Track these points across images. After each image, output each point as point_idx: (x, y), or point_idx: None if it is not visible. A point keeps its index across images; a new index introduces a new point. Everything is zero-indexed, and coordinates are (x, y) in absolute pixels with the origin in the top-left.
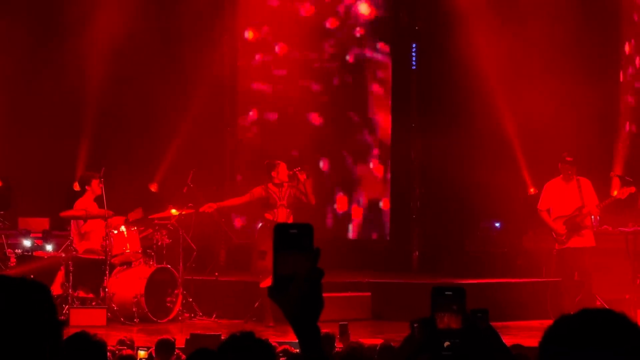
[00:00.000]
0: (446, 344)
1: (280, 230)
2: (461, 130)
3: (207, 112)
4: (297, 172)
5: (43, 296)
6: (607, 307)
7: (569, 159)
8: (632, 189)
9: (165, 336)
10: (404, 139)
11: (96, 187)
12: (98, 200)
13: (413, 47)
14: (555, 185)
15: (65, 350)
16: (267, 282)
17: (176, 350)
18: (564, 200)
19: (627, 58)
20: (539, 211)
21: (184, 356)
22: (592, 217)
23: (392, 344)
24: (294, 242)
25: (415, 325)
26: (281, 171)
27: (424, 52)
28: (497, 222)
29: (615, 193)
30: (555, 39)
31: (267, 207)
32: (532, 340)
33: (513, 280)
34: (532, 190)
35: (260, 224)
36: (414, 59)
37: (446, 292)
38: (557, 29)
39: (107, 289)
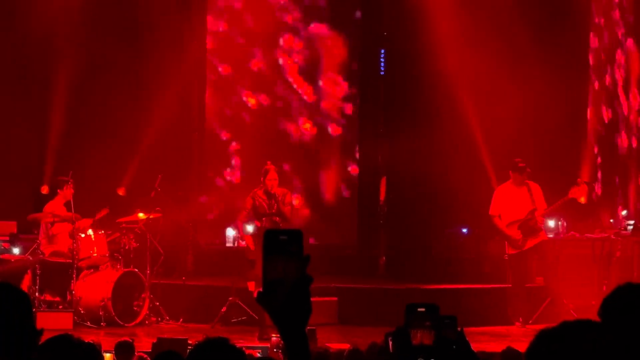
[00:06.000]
0: None
1: (270, 236)
2: (429, 136)
3: (175, 116)
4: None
5: (21, 303)
6: (574, 313)
7: (521, 165)
8: (584, 187)
9: (124, 338)
10: (372, 144)
11: (68, 191)
12: (67, 204)
13: (381, 53)
14: (506, 190)
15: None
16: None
17: (138, 352)
18: (515, 204)
19: (595, 63)
20: (491, 217)
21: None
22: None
23: (359, 348)
24: (283, 247)
25: (389, 338)
26: (268, 178)
27: (392, 58)
28: (464, 227)
29: (582, 200)
30: (523, 44)
31: (256, 216)
32: (496, 346)
33: (479, 286)
34: None
35: (246, 231)
36: (382, 64)
37: (419, 309)
38: (526, 34)
39: (74, 293)
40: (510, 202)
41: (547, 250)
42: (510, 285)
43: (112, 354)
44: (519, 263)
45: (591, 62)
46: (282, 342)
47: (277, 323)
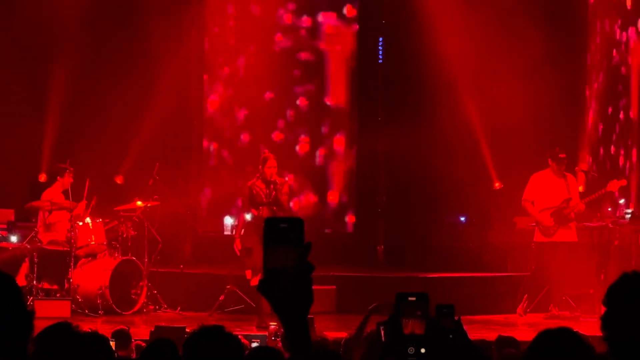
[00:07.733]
0: (410, 349)
1: (271, 224)
2: (427, 124)
3: (174, 104)
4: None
5: (9, 286)
6: (571, 302)
7: (562, 155)
8: (624, 182)
9: (120, 326)
10: (370, 132)
11: (67, 180)
12: (65, 192)
13: (380, 41)
14: (543, 178)
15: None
16: (256, 280)
17: (135, 341)
18: (551, 192)
19: (593, 54)
20: (524, 201)
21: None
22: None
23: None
24: (284, 236)
25: (381, 327)
26: (267, 166)
27: (390, 46)
28: (463, 216)
29: (580, 188)
30: (524, 32)
31: (253, 205)
32: (495, 334)
33: (478, 275)
34: (497, 184)
35: (246, 220)
36: (380, 52)
37: (409, 298)
38: (523, 22)
39: (71, 281)
40: (547, 189)
41: (566, 252)
42: (528, 274)
43: (114, 342)
44: (544, 252)
45: (591, 53)
46: (280, 330)
47: (279, 312)
